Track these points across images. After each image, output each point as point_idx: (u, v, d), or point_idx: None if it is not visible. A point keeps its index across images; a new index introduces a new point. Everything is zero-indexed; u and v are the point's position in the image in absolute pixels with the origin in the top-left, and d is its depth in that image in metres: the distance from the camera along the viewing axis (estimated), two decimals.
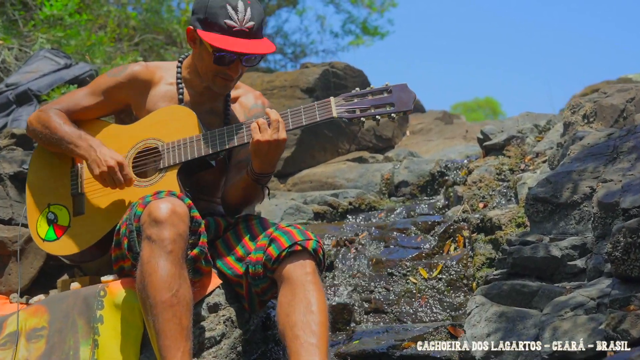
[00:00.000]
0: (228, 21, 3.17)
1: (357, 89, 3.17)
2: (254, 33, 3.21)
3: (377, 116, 3.10)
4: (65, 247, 3.38)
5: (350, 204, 5.49)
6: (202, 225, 3.08)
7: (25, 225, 3.57)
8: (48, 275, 4.31)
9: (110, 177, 3.22)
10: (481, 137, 5.47)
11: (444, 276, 4.16)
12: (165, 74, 3.48)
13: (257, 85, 6.80)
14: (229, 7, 3.17)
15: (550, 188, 3.64)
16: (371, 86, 3.15)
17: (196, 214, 3.06)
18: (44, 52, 7.52)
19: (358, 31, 17.20)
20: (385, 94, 3.10)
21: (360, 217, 5.35)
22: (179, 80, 3.44)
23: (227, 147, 3.20)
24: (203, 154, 3.22)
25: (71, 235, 3.38)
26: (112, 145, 3.34)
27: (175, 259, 2.89)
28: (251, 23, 3.19)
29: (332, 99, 3.13)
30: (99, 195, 3.38)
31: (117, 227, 3.14)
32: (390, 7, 17.30)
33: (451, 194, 5.12)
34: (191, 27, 3.27)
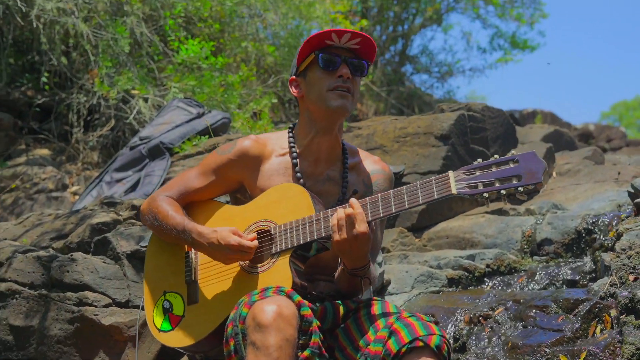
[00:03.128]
0: (327, 40, 3.13)
1: (480, 160, 2.83)
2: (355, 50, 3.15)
3: (502, 191, 2.72)
4: (179, 338, 3.26)
5: (487, 266, 5.10)
6: (314, 324, 2.86)
7: (143, 308, 3.46)
8: (168, 358, 4.18)
9: (236, 251, 3.06)
10: (632, 191, 4.92)
11: None
12: (276, 146, 3.31)
13: (390, 131, 6.51)
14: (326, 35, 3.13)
15: None
16: (495, 156, 2.80)
17: (307, 312, 2.85)
18: (177, 101, 7.53)
19: (507, 46, 16.65)
20: (512, 164, 2.73)
21: (498, 281, 4.95)
22: (293, 146, 3.26)
23: None
24: (315, 238, 3.02)
25: (185, 326, 3.25)
26: None
27: None
28: (355, 46, 3.14)
29: (450, 173, 2.82)
30: (212, 283, 3.26)
31: (227, 321, 2.96)
32: (540, 19, 16.66)
33: (598, 258, 4.63)
34: (293, 77, 3.24)
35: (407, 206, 2.88)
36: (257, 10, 10.31)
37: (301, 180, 3.22)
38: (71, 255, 4.33)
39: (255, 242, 3.08)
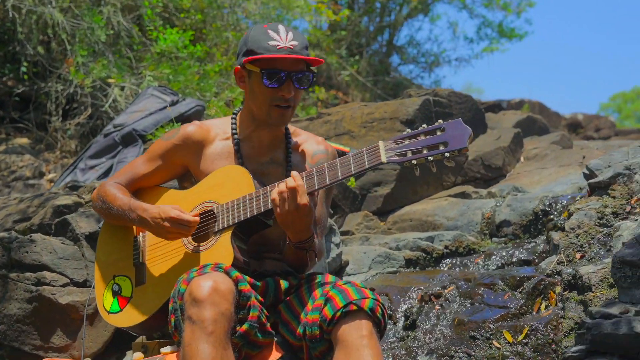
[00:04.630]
0: (271, 42, 3.13)
1: (408, 130, 2.91)
2: (299, 51, 3.14)
3: (429, 157, 2.80)
4: (126, 318, 3.32)
5: (446, 247, 5.18)
6: (252, 299, 2.93)
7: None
8: (124, 337, 4.26)
9: (176, 224, 3.12)
10: (587, 172, 4.99)
11: (531, 340, 3.79)
12: (219, 131, 3.38)
13: (357, 117, 6.58)
14: (269, 32, 3.16)
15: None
16: (423, 125, 2.87)
17: (244, 287, 2.92)
18: (151, 90, 7.58)
19: (494, 35, 16.68)
20: (439, 133, 2.80)
21: (457, 262, 5.03)
22: (235, 132, 3.33)
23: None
24: (255, 214, 3.09)
25: (133, 307, 3.32)
26: None
27: (217, 340, 2.76)
28: (295, 42, 3.14)
29: (380, 143, 2.89)
30: (158, 263, 3.33)
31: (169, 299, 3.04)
32: (527, 8, 16.67)
33: (550, 238, 4.71)
34: (238, 66, 3.23)
35: (340, 177, 2.95)
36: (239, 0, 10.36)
37: (243, 164, 3.29)
38: (30, 237, 4.41)
39: (196, 218, 3.15)
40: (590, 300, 3.67)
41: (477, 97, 16.65)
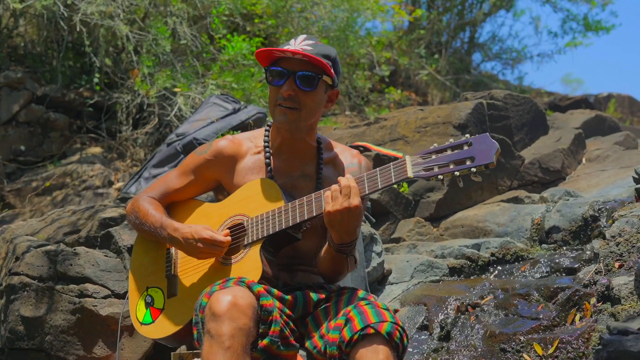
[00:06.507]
0: (285, 46, 3.14)
1: (435, 144, 2.90)
2: (309, 53, 3.11)
3: (456, 172, 2.79)
4: (159, 330, 3.38)
5: (492, 255, 5.09)
6: (275, 314, 2.94)
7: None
8: (165, 348, 4.35)
9: (209, 245, 3.17)
10: (636, 176, 4.82)
11: (561, 353, 3.71)
12: (251, 144, 3.41)
13: (412, 122, 6.53)
14: (291, 40, 3.17)
15: None
16: (450, 140, 2.87)
17: (267, 302, 2.94)
18: (214, 98, 7.69)
19: (580, 28, 16.24)
20: (466, 147, 2.80)
21: (503, 270, 4.95)
22: (267, 146, 3.35)
23: (305, 218, 3.08)
24: (284, 227, 3.12)
25: (164, 318, 3.38)
26: (203, 224, 3.30)
27: (234, 355, 2.79)
28: (308, 47, 3.13)
29: (407, 157, 2.90)
30: (190, 275, 3.38)
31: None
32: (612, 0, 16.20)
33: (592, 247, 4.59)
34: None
35: (367, 191, 2.96)
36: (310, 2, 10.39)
37: (273, 177, 3.32)
38: (74, 249, 4.55)
39: (228, 238, 3.19)
40: (619, 313, 3.57)
41: (564, 93, 16.30)
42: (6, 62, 9.22)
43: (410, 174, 2.85)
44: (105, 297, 4.44)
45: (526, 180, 6.46)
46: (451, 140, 2.87)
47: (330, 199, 2.96)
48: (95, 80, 8.78)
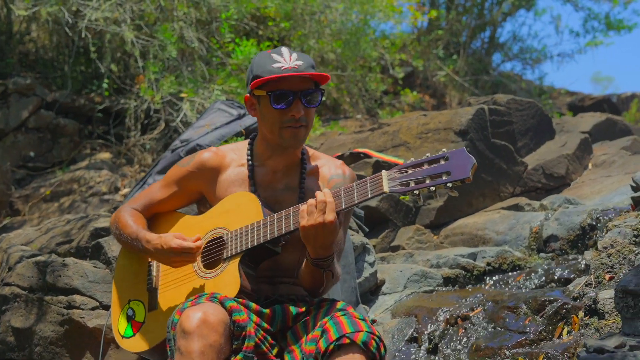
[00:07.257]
0: (275, 64, 3.12)
1: (412, 159, 2.89)
2: (305, 69, 3.12)
3: (431, 187, 2.76)
4: (139, 344, 3.39)
5: (488, 264, 5.02)
6: (248, 329, 2.93)
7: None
8: None
9: (178, 254, 3.17)
10: (634, 185, 4.71)
11: None
12: (235, 157, 3.40)
13: (414, 128, 6.46)
14: (273, 55, 3.16)
15: None
16: (427, 154, 2.85)
17: (239, 317, 2.93)
18: (219, 104, 7.65)
19: (601, 27, 16.05)
20: (442, 162, 2.78)
21: (496, 280, 4.88)
22: (249, 158, 3.34)
23: (283, 232, 3.07)
24: (262, 241, 3.11)
25: (145, 332, 3.38)
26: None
27: None
28: (299, 62, 3.13)
29: (383, 172, 2.89)
30: (170, 289, 3.39)
31: None
32: None
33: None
34: (247, 95, 3.24)
35: (343, 206, 2.95)
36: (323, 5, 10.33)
37: (256, 191, 3.29)
38: (63, 260, 4.55)
39: (198, 243, 3.18)
40: (602, 328, 3.49)
41: (593, 92, 16.11)
42: (17, 68, 9.27)
43: (385, 189, 2.84)
44: (93, 309, 4.42)
45: (529, 187, 6.37)
46: (428, 154, 2.85)
47: (306, 214, 2.95)
48: (105, 85, 8.79)
